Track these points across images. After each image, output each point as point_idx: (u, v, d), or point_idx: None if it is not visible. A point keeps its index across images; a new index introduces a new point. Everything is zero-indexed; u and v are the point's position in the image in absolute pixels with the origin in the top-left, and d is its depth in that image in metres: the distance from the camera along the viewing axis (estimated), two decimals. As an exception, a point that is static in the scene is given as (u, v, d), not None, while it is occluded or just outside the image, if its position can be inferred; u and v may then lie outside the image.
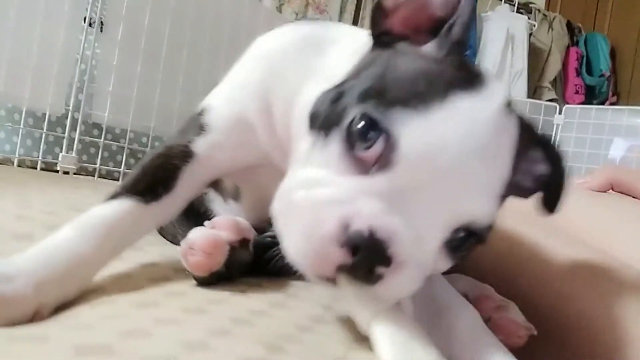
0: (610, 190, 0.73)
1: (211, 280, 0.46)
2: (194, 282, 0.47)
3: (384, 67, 0.39)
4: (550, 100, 3.43)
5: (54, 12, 1.23)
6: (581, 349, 0.50)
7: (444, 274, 0.48)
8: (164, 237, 0.66)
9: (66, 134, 1.32)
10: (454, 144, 0.34)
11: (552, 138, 0.44)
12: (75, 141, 1.34)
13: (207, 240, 0.45)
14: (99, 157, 1.39)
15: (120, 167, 1.44)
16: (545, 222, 0.68)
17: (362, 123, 0.35)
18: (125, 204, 0.45)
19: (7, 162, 1.35)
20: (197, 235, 0.45)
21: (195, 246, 0.44)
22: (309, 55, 0.50)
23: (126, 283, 0.45)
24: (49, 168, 1.32)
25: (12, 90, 1.20)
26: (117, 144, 1.47)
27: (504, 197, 0.38)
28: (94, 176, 1.39)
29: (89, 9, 1.31)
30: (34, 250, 0.39)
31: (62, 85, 1.29)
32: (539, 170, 0.44)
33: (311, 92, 0.43)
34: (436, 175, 0.34)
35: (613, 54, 3.67)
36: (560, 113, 2.15)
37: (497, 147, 0.36)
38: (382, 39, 0.42)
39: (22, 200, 0.68)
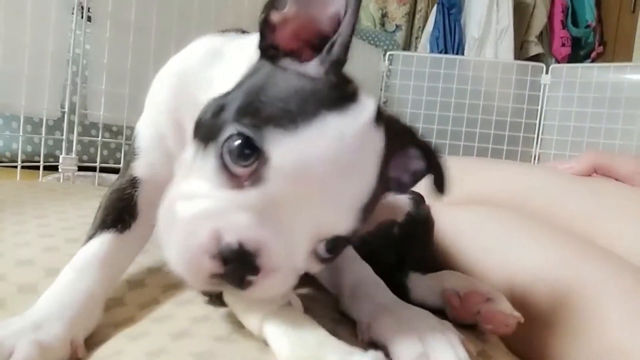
0: (594, 174, 0.77)
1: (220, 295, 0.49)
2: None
3: (263, 83, 0.41)
4: (537, 54, 3.45)
5: (41, 14, 1.24)
6: (568, 333, 0.55)
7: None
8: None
9: (64, 136, 1.35)
10: (319, 161, 0.36)
11: (422, 138, 0.48)
12: (74, 142, 1.37)
13: None
14: (98, 156, 1.42)
15: (121, 164, 1.47)
16: (533, 212, 0.74)
17: (238, 141, 0.37)
18: (105, 238, 0.49)
19: (8, 168, 1.38)
20: None
21: None
22: (210, 67, 0.51)
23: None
24: (52, 169, 1.36)
25: (7, 100, 1.22)
26: (116, 141, 1.50)
27: (375, 200, 0.42)
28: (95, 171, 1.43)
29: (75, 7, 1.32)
30: (47, 297, 0.43)
31: (56, 89, 1.31)
32: (415, 166, 0.48)
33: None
34: (302, 190, 0.37)
35: (598, 3, 3.65)
36: (547, 73, 2.17)
37: (362, 161, 0.39)
38: (269, 52, 0.43)
39: (40, 216, 0.74)
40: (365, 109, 0.40)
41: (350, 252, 0.54)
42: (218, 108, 0.41)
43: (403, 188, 0.50)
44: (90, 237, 0.50)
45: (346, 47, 0.41)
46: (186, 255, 0.37)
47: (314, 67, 0.41)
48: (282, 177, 0.36)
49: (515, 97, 2.20)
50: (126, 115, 1.41)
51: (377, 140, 0.41)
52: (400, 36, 3.63)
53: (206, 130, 0.41)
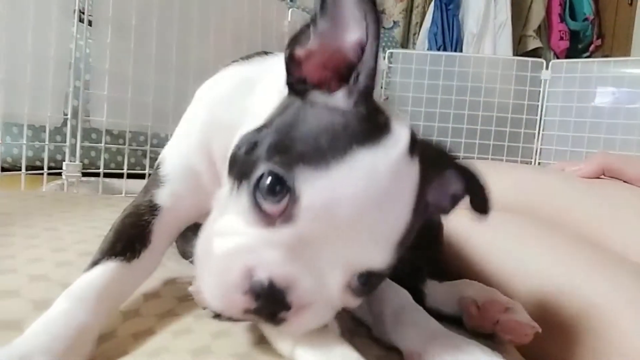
0: (602, 176, 0.77)
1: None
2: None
3: (293, 120, 0.41)
4: (536, 48, 3.44)
5: (43, 21, 1.23)
6: (584, 342, 0.55)
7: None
8: (188, 260, 0.70)
9: (68, 142, 1.35)
10: (350, 198, 0.36)
11: (460, 160, 0.47)
12: (77, 148, 1.36)
13: None
14: (102, 162, 1.41)
15: (123, 168, 1.47)
16: (545, 217, 0.74)
17: (269, 179, 0.37)
18: (109, 267, 0.47)
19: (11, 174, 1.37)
20: None
21: None
22: (243, 97, 0.51)
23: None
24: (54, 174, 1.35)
25: (11, 108, 1.21)
26: (118, 145, 1.49)
27: (412, 230, 0.41)
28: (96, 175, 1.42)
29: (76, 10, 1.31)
30: (37, 327, 0.41)
31: (59, 95, 1.31)
32: (453, 189, 0.47)
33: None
34: (334, 227, 0.37)
35: (596, -4, 3.65)
36: (547, 69, 2.17)
37: (396, 195, 0.39)
38: (297, 87, 0.43)
39: (50, 228, 0.73)
40: (398, 139, 0.40)
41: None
42: (251, 145, 0.41)
43: (443, 212, 0.49)
44: (94, 263, 0.48)
45: (372, 76, 0.40)
46: (220, 290, 0.38)
47: (342, 99, 0.41)
48: (312, 215, 0.36)
49: (516, 93, 2.20)
50: (129, 121, 1.41)
51: (412, 172, 0.40)
52: (397, 33, 3.62)
53: (239, 168, 0.41)
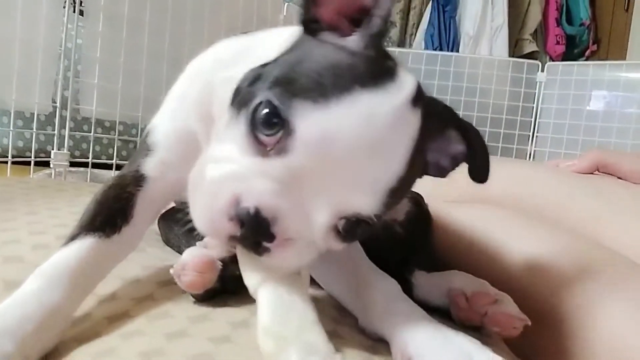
0: (596, 172, 0.76)
1: (206, 296, 0.49)
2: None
3: (300, 56, 0.41)
4: (532, 52, 3.45)
5: (32, 8, 1.21)
6: (573, 336, 0.54)
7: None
8: (171, 248, 0.68)
9: (56, 132, 1.33)
10: (345, 137, 0.36)
11: (464, 120, 0.46)
12: (66, 138, 1.34)
13: (198, 260, 0.47)
14: (90, 151, 1.39)
15: (113, 159, 1.45)
16: (537, 211, 0.73)
17: (266, 110, 0.37)
18: (86, 243, 0.45)
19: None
20: (189, 255, 0.47)
21: (187, 267, 0.46)
22: (242, 62, 0.49)
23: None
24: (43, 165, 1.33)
25: (-2, 93, 1.19)
26: (108, 136, 1.47)
27: (406, 184, 0.41)
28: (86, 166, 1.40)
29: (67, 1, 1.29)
30: (5, 308, 0.39)
31: (48, 83, 1.29)
32: (455, 149, 0.46)
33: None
34: (326, 165, 0.36)
35: (592, 1, 3.65)
36: (542, 71, 2.16)
37: (392, 142, 0.38)
38: (311, 26, 0.42)
39: (31, 212, 0.72)
40: (403, 87, 0.39)
41: (373, 266, 0.52)
42: (255, 77, 0.41)
43: (443, 172, 0.48)
44: (71, 238, 0.46)
45: (385, 20, 0.40)
46: (208, 215, 0.38)
47: (353, 41, 0.41)
48: (305, 149, 0.36)
49: (511, 94, 2.20)
50: (119, 111, 1.38)
51: (412, 122, 0.39)
52: (394, 33, 3.62)
53: (241, 98, 0.41)
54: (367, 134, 0.36)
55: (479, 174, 0.45)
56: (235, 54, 0.52)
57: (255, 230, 0.37)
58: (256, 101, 0.38)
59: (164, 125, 0.53)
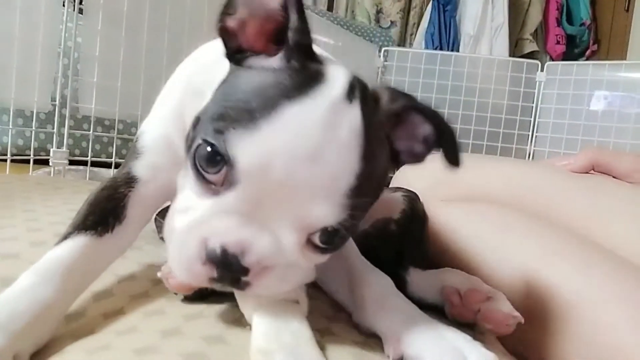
0: (592, 171, 0.76)
1: (197, 297, 0.49)
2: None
3: (228, 88, 0.41)
4: (532, 52, 3.45)
5: (31, 7, 1.22)
6: (567, 335, 0.55)
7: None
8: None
9: (55, 130, 1.33)
10: (282, 154, 0.36)
11: (422, 103, 0.44)
12: (65, 136, 1.35)
13: None
14: (90, 150, 1.40)
15: (113, 158, 1.45)
16: (531, 209, 0.73)
17: (206, 150, 0.38)
18: (79, 242, 0.46)
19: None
20: None
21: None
22: (213, 69, 0.48)
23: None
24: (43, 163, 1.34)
25: (-3, 92, 1.20)
26: (108, 135, 1.48)
27: (372, 180, 0.40)
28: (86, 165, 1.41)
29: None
30: None
31: (47, 81, 1.29)
32: (423, 132, 0.45)
33: None
34: (274, 186, 0.36)
35: (593, 2, 3.65)
36: (542, 70, 2.16)
37: (334, 144, 0.37)
38: (236, 57, 0.42)
39: (29, 210, 0.72)
40: (332, 87, 0.39)
41: (367, 263, 0.53)
42: (195, 121, 0.42)
43: (418, 157, 0.46)
44: (64, 237, 0.47)
45: (300, 30, 0.39)
46: (183, 264, 0.39)
47: (278, 59, 0.41)
48: (250, 178, 0.36)
49: (510, 94, 2.19)
50: (118, 109, 1.39)
51: (351, 117, 0.38)
52: (395, 32, 3.62)
53: (188, 144, 0.41)
54: (302, 145, 0.36)
55: (450, 155, 0.44)
56: (214, 63, 0.50)
57: (228, 268, 0.38)
58: (195, 144, 0.39)
59: (151, 132, 0.54)
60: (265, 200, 0.37)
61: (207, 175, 0.38)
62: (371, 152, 0.39)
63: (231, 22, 0.41)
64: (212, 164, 0.37)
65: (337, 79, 0.39)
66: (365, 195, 0.39)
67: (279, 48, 0.41)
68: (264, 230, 0.38)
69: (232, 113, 0.37)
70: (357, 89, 0.40)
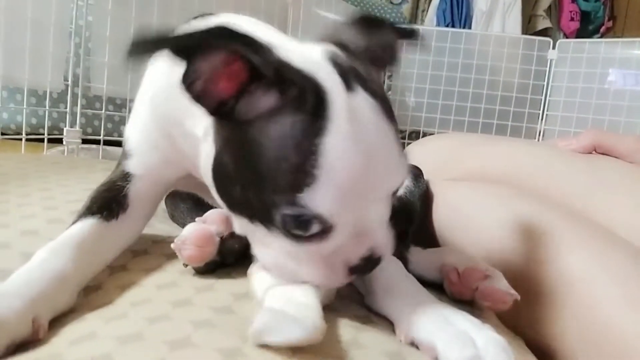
0: (594, 152, 0.77)
1: (207, 269, 0.51)
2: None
3: (250, 152, 0.40)
4: (545, 29, 3.40)
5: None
6: (564, 313, 0.56)
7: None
8: (177, 224, 0.71)
9: (68, 109, 1.36)
10: (354, 180, 0.38)
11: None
12: (78, 115, 1.37)
13: (197, 234, 0.49)
14: (102, 128, 1.42)
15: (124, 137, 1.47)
16: (532, 189, 0.74)
17: (294, 222, 0.39)
18: (88, 222, 0.50)
19: (13, 141, 1.39)
20: (189, 230, 0.50)
21: (187, 241, 0.49)
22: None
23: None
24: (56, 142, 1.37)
25: (11, 72, 1.22)
26: (119, 114, 1.50)
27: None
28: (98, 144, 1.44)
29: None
30: (16, 275, 0.42)
31: (59, 61, 1.31)
32: (388, 40, 0.49)
33: (194, 136, 0.47)
34: (364, 209, 0.41)
35: (609, -24, 3.58)
36: (553, 48, 2.14)
37: (378, 129, 0.40)
38: (222, 111, 0.40)
39: (45, 189, 0.75)
40: (333, 86, 0.39)
41: None
42: (235, 188, 0.43)
43: (388, 61, 0.50)
44: (73, 222, 0.50)
45: (266, 60, 0.37)
46: (328, 281, 0.44)
47: (273, 94, 0.38)
48: (344, 221, 0.40)
49: (522, 72, 2.18)
50: (129, 88, 1.41)
51: (362, 99, 0.40)
52: (406, 9, 3.58)
53: (250, 214, 0.43)
54: (365, 157, 0.39)
55: (406, 32, 0.50)
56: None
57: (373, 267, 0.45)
58: (277, 220, 0.40)
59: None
60: (364, 213, 0.41)
61: (306, 236, 0.40)
62: (389, 109, 0.42)
63: (199, 86, 0.38)
64: (305, 228, 0.40)
65: (326, 76, 0.39)
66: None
67: (254, 83, 0.39)
68: (374, 235, 0.43)
69: (287, 177, 0.38)
70: (339, 65, 0.41)
